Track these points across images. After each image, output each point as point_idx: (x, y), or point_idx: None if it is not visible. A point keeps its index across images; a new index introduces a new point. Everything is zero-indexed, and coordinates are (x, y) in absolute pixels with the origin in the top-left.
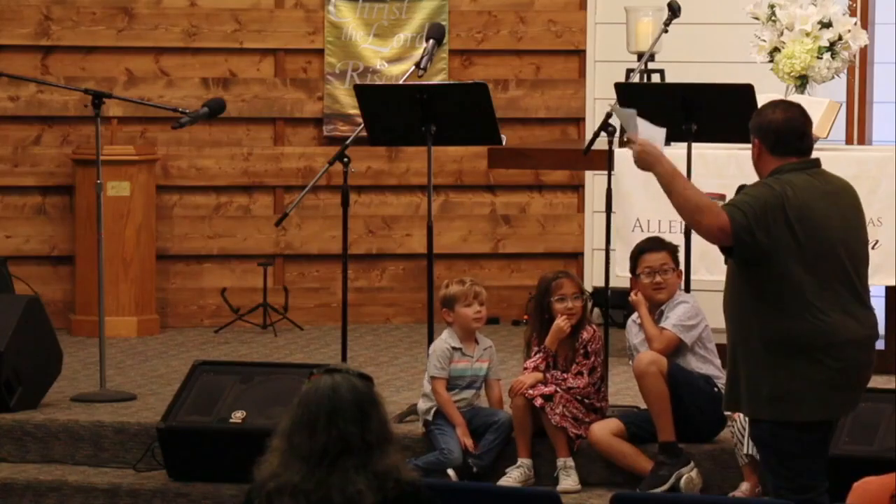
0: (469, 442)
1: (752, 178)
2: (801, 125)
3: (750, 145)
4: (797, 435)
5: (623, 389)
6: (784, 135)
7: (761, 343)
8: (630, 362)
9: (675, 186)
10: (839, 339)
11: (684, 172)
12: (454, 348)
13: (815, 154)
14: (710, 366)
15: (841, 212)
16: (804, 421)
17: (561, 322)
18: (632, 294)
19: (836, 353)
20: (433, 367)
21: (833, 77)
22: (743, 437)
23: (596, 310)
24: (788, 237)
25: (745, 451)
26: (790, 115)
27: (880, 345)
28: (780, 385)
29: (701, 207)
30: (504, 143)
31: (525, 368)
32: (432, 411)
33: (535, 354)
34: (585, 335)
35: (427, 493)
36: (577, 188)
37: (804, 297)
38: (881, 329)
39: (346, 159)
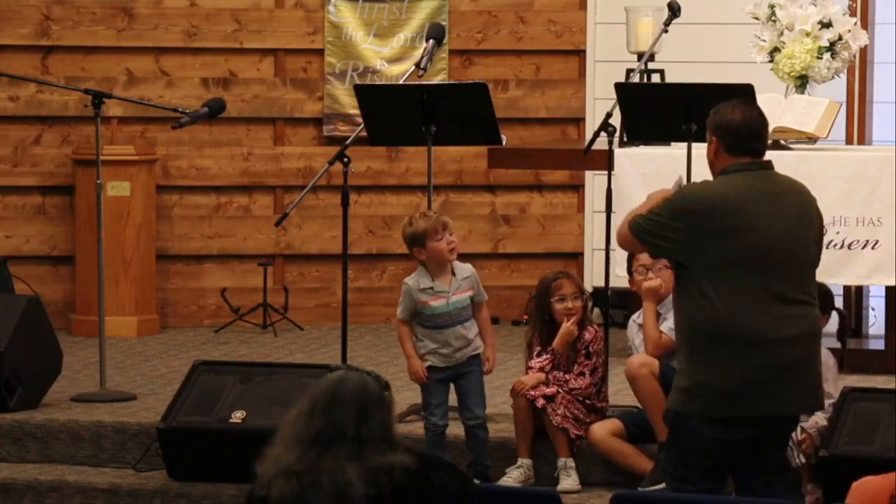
0: (420, 373)
1: None
2: (759, 126)
3: None
4: (703, 429)
5: (623, 389)
6: (742, 135)
7: (687, 336)
8: None
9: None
10: (759, 338)
11: (684, 172)
12: (423, 289)
13: (814, 154)
14: None
15: (780, 212)
16: (713, 416)
17: (570, 325)
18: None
19: (756, 351)
20: (398, 309)
21: (833, 77)
22: None
23: (596, 310)
24: (712, 237)
25: None
26: (749, 116)
27: (880, 344)
28: (697, 378)
29: (624, 219)
30: (504, 143)
31: (530, 368)
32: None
33: (540, 355)
34: (587, 336)
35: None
36: (577, 188)
37: (726, 295)
38: (881, 329)
39: (346, 159)
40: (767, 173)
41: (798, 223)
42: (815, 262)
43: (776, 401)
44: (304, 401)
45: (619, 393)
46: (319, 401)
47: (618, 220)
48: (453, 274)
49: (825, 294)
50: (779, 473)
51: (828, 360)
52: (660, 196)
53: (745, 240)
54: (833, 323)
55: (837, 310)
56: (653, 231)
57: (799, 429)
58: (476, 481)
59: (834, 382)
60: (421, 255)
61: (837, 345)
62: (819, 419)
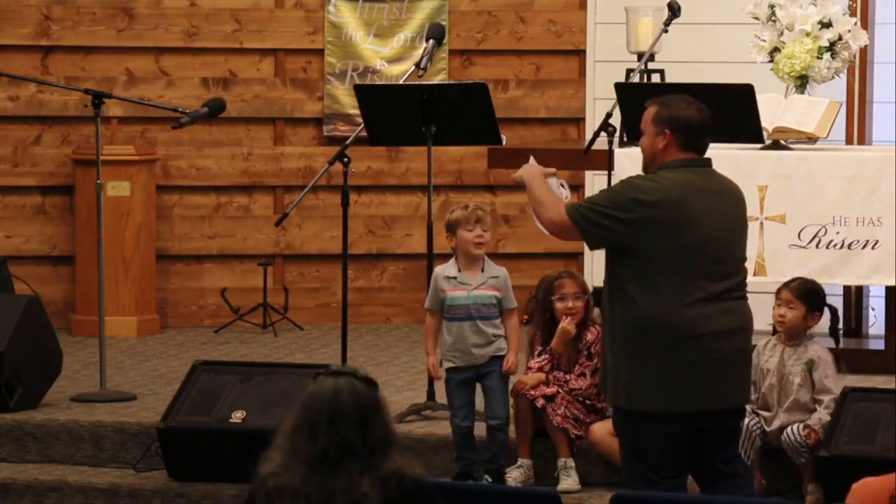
0: (431, 371)
1: (751, 175)
2: (710, 125)
3: (749, 145)
4: (649, 426)
5: None
6: (698, 132)
7: (623, 331)
8: None
9: (531, 191)
10: (694, 333)
11: None
12: (448, 277)
13: (815, 153)
14: None
15: (717, 210)
16: (655, 412)
17: (566, 324)
18: None
19: (691, 345)
20: (426, 298)
21: (833, 77)
22: (744, 435)
23: (596, 309)
24: (657, 231)
25: (746, 449)
26: (705, 115)
27: (880, 344)
28: (635, 374)
29: (544, 203)
30: (504, 143)
31: (529, 368)
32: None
33: (540, 355)
34: (589, 336)
35: (431, 490)
36: (577, 188)
37: (662, 289)
38: (881, 329)
39: (346, 159)
40: (707, 171)
41: (733, 222)
42: (744, 257)
43: (710, 395)
44: (301, 414)
45: None
46: (319, 417)
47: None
48: (483, 270)
49: (816, 292)
50: (731, 465)
51: (826, 357)
52: (535, 172)
53: (686, 236)
54: (825, 320)
55: (829, 306)
56: (595, 220)
57: (801, 425)
58: (488, 479)
59: (834, 379)
60: (451, 243)
61: (831, 342)
62: (822, 415)
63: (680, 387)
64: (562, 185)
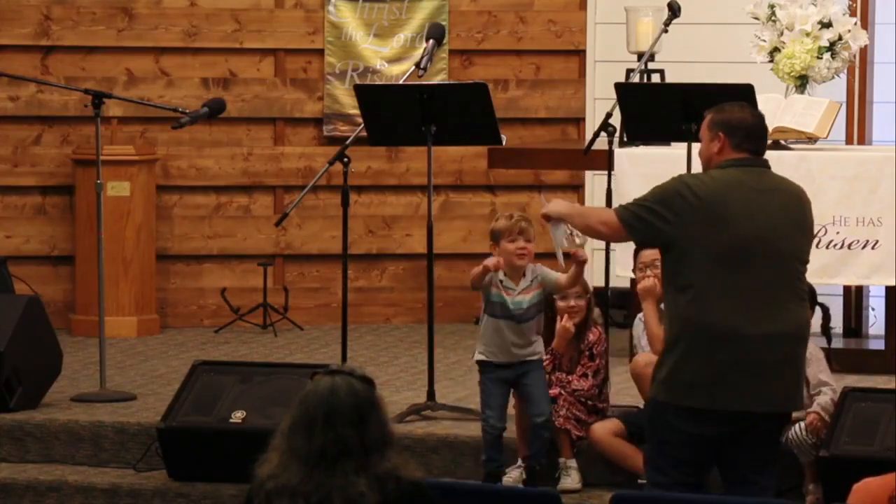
0: (492, 262)
1: None
2: (764, 128)
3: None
4: (674, 421)
5: (624, 389)
6: (751, 133)
7: (668, 327)
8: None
9: (571, 212)
10: (731, 333)
11: (684, 172)
12: (498, 277)
13: (815, 153)
14: None
15: (764, 208)
16: (684, 406)
17: (566, 323)
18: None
19: (728, 345)
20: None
21: (833, 77)
22: None
23: (596, 309)
24: (696, 225)
25: None
26: (759, 117)
27: (880, 344)
28: (675, 369)
29: (589, 213)
30: (504, 143)
31: None
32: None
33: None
34: (591, 337)
35: (429, 492)
36: (577, 188)
37: (701, 287)
38: (881, 329)
39: (346, 159)
40: (760, 170)
41: (783, 219)
42: (803, 259)
43: (746, 397)
44: (298, 413)
45: (620, 393)
46: (316, 415)
47: None
48: (524, 275)
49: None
50: (759, 472)
51: (818, 353)
52: (560, 200)
53: (725, 232)
54: (817, 319)
55: (821, 305)
56: (638, 215)
57: (804, 424)
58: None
59: (828, 374)
60: (494, 251)
61: (823, 342)
62: (822, 400)
63: (714, 386)
64: (573, 234)
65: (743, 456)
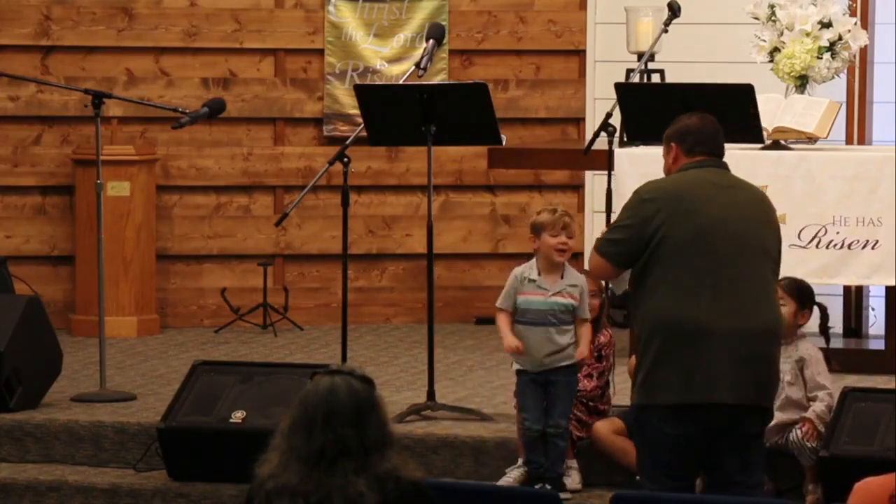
0: (513, 345)
1: (751, 176)
2: (715, 131)
3: (749, 145)
4: (656, 422)
5: (624, 389)
6: (699, 137)
7: (638, 329)
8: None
9: None
10: (699, 328)
11: None
12: (528, 279)
13: (815, 153)
14: None
15: (729, 202)
16: (659, 405)
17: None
18: None
19: (697, 340)
20: (500, 297)
21: (833, 77)
22: None
23: None
24: (661, 222)
25: None
26: (706, 121)
27: (880, 344)
28: (650, 370)
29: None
30: (504, 143)
31: None
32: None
33: None
34: (602, 339)
35: (429, 492)
36: (577, 188)
37: (668, 284)
38: (881, 329)
39: (346, 159)
40: (721, 171)
41: (746, 212)
42: (771, 254)
43: (718, 390)
44: (297, 412)
45: (620, 393)
46: (315, 414)
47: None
48: (562, 276)
49: (804, 290)
50: (744, 472)
51: (816, 354)
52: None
53: (691, 221)
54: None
55: (819, 304)
56: (610, 239)
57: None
58: (547, 486)
59: (825, 376)
60: (534, 244)
61: (822, 342)
62: (817, 407)
63: (687, 380)
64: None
65: (726, 457)
